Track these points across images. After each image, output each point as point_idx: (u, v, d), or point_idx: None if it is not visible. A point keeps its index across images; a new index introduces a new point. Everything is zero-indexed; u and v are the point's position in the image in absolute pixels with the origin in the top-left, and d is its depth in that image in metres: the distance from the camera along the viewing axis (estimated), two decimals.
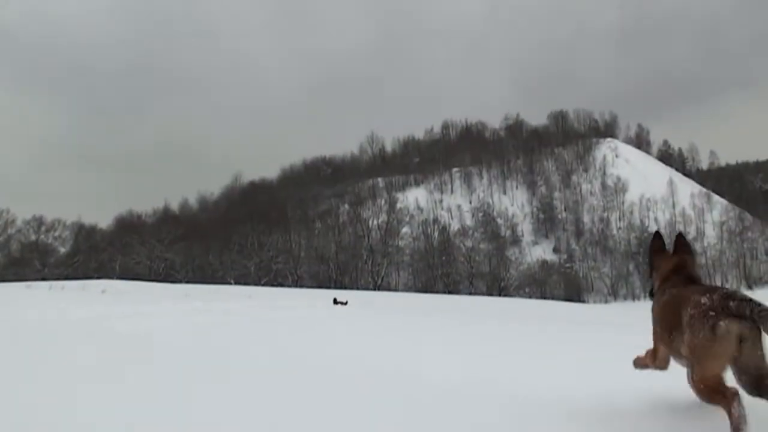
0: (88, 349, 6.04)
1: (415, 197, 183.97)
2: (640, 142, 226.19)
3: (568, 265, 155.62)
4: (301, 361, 5.58)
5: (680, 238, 4.62)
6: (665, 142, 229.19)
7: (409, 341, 7.73)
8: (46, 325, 8.11)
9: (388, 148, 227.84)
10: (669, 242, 4.70)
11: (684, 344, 3.58)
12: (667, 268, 4.40)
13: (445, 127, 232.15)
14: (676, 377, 3.91)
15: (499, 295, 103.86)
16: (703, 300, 3.49)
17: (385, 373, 5.11)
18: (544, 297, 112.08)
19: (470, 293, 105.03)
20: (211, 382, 4.54)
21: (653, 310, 4.19)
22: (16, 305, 11.69)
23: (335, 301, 22.97)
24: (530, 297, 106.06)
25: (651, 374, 4.35)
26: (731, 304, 3.38)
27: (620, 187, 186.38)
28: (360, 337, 7.62)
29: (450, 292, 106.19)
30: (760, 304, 3.32)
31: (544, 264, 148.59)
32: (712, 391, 3.35)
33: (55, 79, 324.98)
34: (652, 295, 4.43)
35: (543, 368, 5.83)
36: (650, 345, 4.28)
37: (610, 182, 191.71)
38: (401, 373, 5.19)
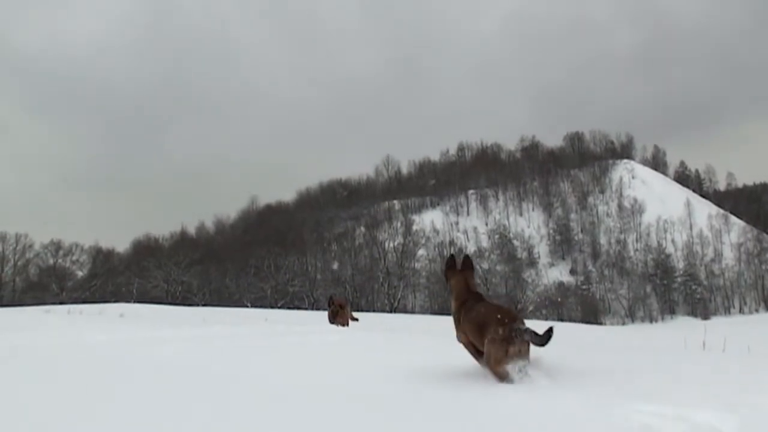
0: (112, 374, 6.11)
1: (431, 219, 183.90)
2: (657, 163, 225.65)
3: (585, 286, 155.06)
4: (321, 387, 5.61)
5: (466, 258, 6.55)
6: (682, 163, 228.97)
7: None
8: (68, 350, 8.19)
9: (404, 170, 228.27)
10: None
11: (485, 352, 5.55)
12: (458, 284, 6.35)
13: (461, 149, 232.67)
14: None
15: None
16: (500, 331, 5.39)
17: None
18: (561, 319, 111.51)
19: None
20: (234, 409, 4.60)
21: (463, 321, 6.03)
22: (35, 330, 11.78)
23: (330, 304, 17.96)
24: (547, 319, 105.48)
25: None
26: (514, 335, 5.34)
27: (637, 209, 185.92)
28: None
29: None
30: (526, 330, 5.36)
31: (560, 286, 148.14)
32: (500, 376, 5.35)
33: (72, 104, 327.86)
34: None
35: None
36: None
37: (626, 204, 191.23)
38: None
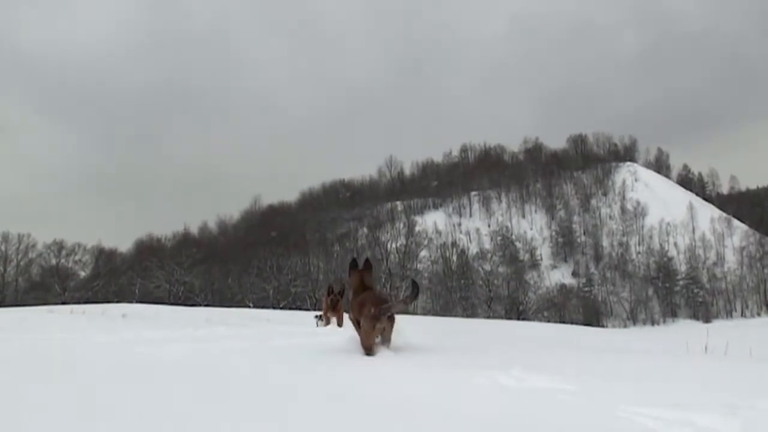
0: (118, 375, 6.14)
1: (433, 220, 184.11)
2: (660, 166, 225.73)
3: (587, 289, 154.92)
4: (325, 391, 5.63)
5: (367, 260, 8.18)
6: (685, 167, 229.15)
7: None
8: (73, 351, 8.22)
9: (407, 171, 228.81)
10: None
11: (362, 326, 7.14)
12: (355, 281, 7.91)
13: (464, 150, 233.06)
14: None
15: (518, 319, 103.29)
16: (372, 310, 6.96)
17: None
18: (562, 321, 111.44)
19: (488, 317, 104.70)
20: (242, 410, 4.62)
21: (353, 304, 7.62)
22: (39, 331, 11.82)
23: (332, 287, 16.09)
24: (549, 321, 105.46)
25: None
26: (381, 313, 6.94)
27: (639, 212, 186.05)
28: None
29: (468, 316, 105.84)
30: (388, 309, 7.04)
31: (562, 288, 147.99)
32: (369, 348, 6.97)
33: (74, 105, 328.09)
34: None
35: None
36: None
37: (629, 206, 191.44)
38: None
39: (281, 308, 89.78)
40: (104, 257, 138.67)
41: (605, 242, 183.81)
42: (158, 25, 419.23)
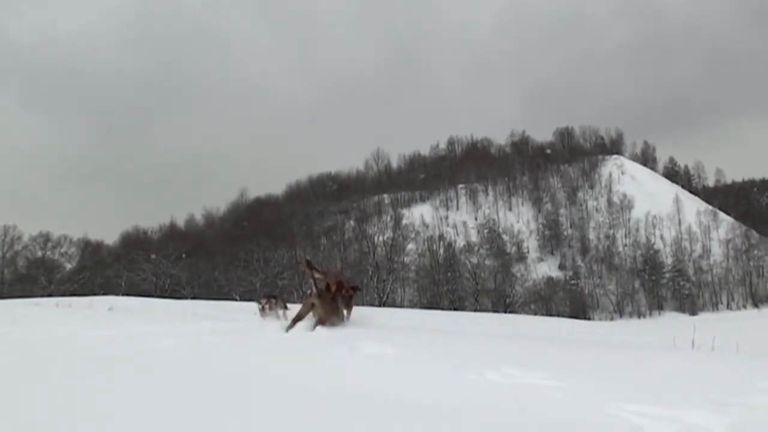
0: (110, 372, 6.13)
1: (420, 213, 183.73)
2: (646, 159, 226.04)
3: (573, 281, 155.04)
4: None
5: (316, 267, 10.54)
6: (671, 159, 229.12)
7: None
8: (63, 346, 8.20)
9: (394, 164, 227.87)
10: None
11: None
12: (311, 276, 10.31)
13: (451, 143, 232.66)
14: None
15: (505, 311, 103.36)
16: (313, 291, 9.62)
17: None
18: (549, 314, 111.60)
19: (475, 310, 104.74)
20: (231, 406, 4.62)
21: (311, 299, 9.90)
22: (27, 325, 11.75)
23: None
24: (536, 314, 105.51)
25: None
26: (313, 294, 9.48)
27: (626, 204, 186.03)
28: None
29: (455, 309, 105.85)
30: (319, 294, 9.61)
31: (549, 281, 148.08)
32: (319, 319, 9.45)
33: (62, 97, 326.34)
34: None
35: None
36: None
37: (615, 199, 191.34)
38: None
39: None
40: (90, 250, 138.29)
41: (592, 235, 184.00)
42: (144, 15, 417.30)
